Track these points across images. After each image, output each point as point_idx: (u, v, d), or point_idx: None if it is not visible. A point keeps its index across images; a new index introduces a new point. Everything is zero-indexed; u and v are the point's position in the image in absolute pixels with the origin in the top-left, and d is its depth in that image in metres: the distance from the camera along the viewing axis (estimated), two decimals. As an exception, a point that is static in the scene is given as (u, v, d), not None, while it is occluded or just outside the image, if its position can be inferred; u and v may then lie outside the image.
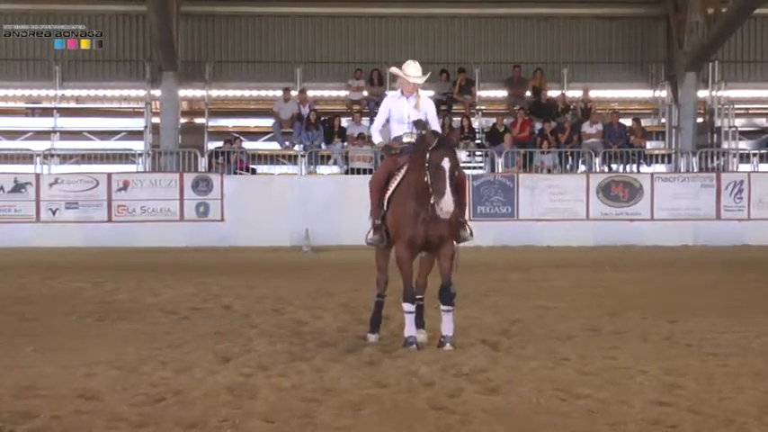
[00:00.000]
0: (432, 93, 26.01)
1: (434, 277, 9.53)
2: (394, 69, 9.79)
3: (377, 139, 9.91)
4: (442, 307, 9.18)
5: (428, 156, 8.72)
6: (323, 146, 24.79)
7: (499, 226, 22.78)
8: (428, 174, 8.69)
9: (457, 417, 6.58)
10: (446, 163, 8.66)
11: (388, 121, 9.76)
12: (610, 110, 26.09)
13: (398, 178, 9.27)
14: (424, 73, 9.64)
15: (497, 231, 22.60)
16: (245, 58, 26.82)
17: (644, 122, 26.18)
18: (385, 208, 9.37)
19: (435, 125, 9.61)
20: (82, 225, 22.65)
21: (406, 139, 9.53)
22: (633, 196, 23.35)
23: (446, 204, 8.56)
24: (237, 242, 22.53)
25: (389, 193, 9.31)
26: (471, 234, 9.43)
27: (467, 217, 9.72)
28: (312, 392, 7.27)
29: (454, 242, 9.25)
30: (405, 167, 9.26)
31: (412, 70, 9.54)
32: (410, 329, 9.22)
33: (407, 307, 9.21)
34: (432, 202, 8.71)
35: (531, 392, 7.20)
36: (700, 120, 26.46)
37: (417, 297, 9.58)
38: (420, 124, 9.40)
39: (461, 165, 8.97)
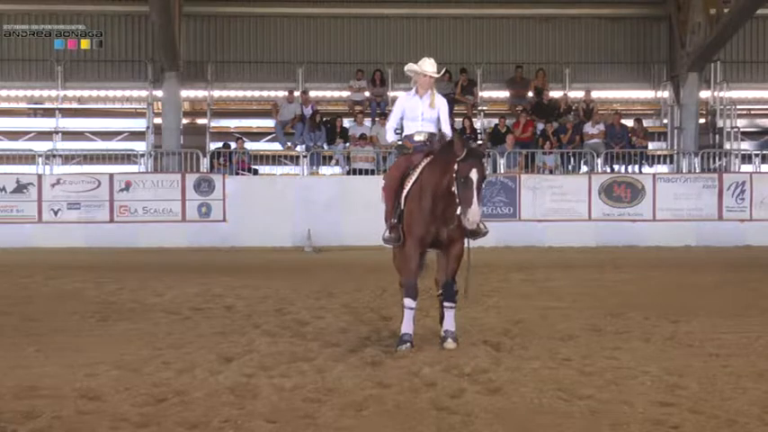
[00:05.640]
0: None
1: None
2: (410, 66, 9.74)
3: (391, 137, 10.02)
4: (446, 304, 9.31)
5: (456, 167, 8.77)
6: (325, 146, 24.82)
7: (501, 226, 22.70)
8: (456, 184, 8.77)
9: (459, 417, 6.58)
10: (474, 174, 8.74)
11: (402, 119, 9.81)
12: (612, 110, 26.10)
13: (413, 177, 9.32)
14: (439, 71, 9.72)
15: (499, 232, 22.49)
16: (248, 59, 26.85)
17: (646, 123, 26.19)
18: (402, 207, 9.40)
19: (447, 124, 9.72)
20: (84, 225, 22.66)
21: (417, 138, 9.61)
22: (635, 197, 23.35)
23: (473, 215, 8.70)
24: (239, 242, 22.55)
25: (406, 191, 9.35)
26: (486, 229, 9.51)
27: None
28: (314, 393, 7.27)
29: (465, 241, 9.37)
30: (420, 166, 9.32)
31: (428, 66, 9.60)
32: (407, 326, 9.20)
33: (409, 303, 9.21)
34: (458, 212, 8.81)
35: (533, 393, 7.20)
36: (702, 120, 26.47)
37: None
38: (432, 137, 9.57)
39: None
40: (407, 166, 9.51)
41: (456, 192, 8.79)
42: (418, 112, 9.60)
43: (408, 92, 9.89)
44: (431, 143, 9.54)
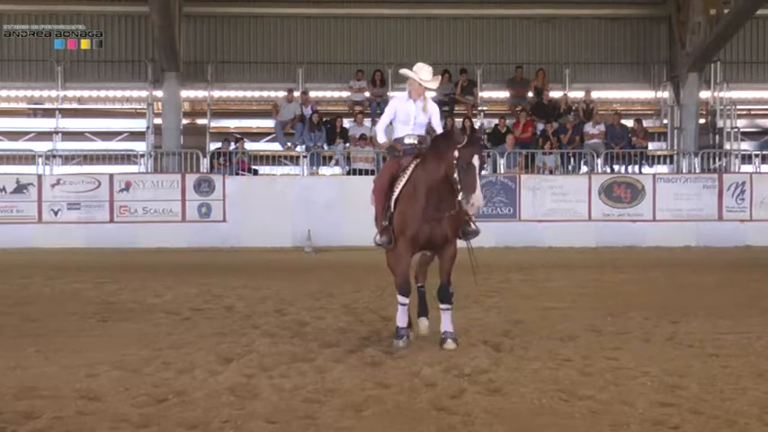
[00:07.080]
0: (434, 94, 26.09)
1: (433, 277, 9.59)
2: (405, 71, 9.78)
3: (381, 138, 10.04)
4: (441, 306, 9.39)
5: (457, 153, 8.85)
6: (325, 147, 24.82)
7: (501, 227, 22.77)
8: (457, 170, 8.85)
9: (459, 417, 6.59)
10: (476, 161, 8.85)
11: (392, 121, 9.83)
12: (612, 110, 26.10)
13: (404, 179, 9.36)
14: (434, 75, 9.76)
15: (499, 232, 22.59)
16: (248, 59, 26.85)
17: (646, 123, 26.19)
18: (392, 209, 9.43)
19: (439, 128, 9.78)
20: (84, 226, 22.66)
21: (408, 141, 9.64)
22: (635, 197, 23.36)
23: (477, 199, 8.80)
24: (239, 243, 22.55)
25: (396, 194, 9.38)
26: (478, 228, 9.65)
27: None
28: (314, 393, 7.28)
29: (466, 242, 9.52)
30: (410, 168, 9.37)
31: (425, 74, 9.62)
32: (402, 320, 9.42)
33: (402, 299, 9.38)
34: (459, 198, 8.87)
35: (534, 393, 7.21)
36: (702, 121, 26.48)
37: (419, 285, 10.00)
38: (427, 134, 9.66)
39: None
40: (397, 169, 9.56)
41: (457, 178, 8.85)
42: (411, 115, 9.63)
43: (401, 95, 9.93)
44: (421, 146, 9.59)
